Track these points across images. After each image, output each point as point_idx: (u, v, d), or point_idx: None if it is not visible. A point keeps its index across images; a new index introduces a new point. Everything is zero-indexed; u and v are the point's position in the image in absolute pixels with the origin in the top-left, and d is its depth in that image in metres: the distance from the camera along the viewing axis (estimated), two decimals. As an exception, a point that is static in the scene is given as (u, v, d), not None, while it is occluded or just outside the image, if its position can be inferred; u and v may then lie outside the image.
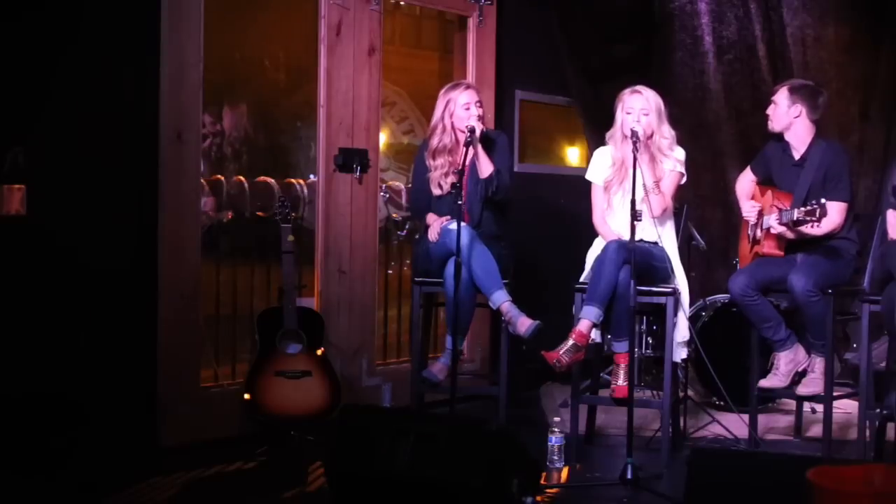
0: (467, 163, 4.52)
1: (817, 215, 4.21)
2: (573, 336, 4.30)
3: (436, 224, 4.61)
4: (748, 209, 4.73)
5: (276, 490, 3.98)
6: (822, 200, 4.24)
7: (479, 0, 5.67)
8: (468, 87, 4.73)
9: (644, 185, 4.36)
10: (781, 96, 4.65)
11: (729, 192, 5.90)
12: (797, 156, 4.66)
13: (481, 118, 4.63)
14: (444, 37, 6.21)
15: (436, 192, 4.69)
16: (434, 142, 4.70)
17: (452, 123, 4.65)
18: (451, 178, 4.50)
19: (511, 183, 4.72)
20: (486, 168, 4.59)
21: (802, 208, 4.29)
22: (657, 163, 4.55)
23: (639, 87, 4.59)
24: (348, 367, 5.09)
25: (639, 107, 4.54)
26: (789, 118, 4.62)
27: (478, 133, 4.52)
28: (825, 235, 4.52)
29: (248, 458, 4.37)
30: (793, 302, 4.51)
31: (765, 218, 4.62)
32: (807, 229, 4.39)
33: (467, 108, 4.62)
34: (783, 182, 4.68)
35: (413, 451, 3.44)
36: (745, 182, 4.89)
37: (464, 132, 4.52)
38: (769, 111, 4.69)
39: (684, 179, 4.64)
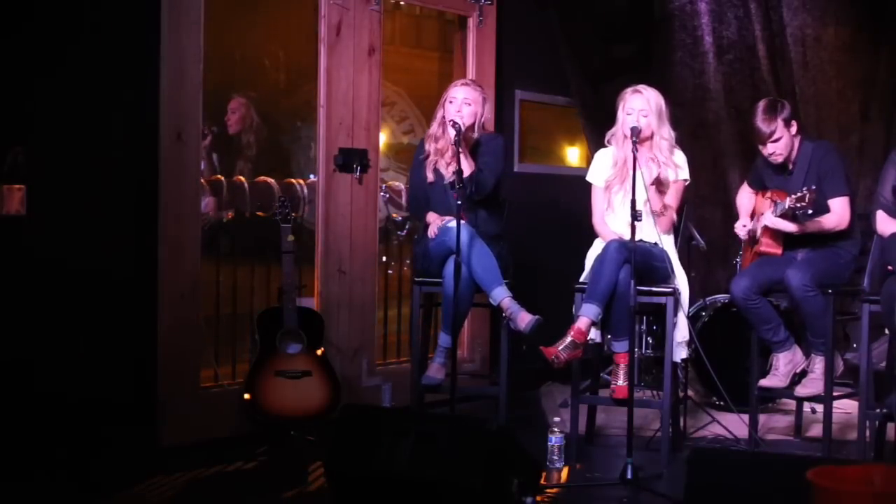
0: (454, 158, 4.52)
1: (807, 200, 4.22)
2: (572, 333, 4.30)
3: (436, 221, 4.61)
4: (740, 226, 4.72)
5: (276, 490, 3.98)
6: (812, 186, 4.26)
7: (479, 0, 5.67)
8: (465, 84, 4.74)
9: (652, 211, 4.41)
10: (780, 128, 4.50)
11: (729, 192, 5.90)
12: (788, 164, 4.65)
13: (474, 115, 4.62)
14: (444, 37, 6.21)
15: (429, 177, 4.70)
16: (431, 129, 4.76)
17: (444, 116, 4.67)
18: (443, 171, 4.54)
19: (495, 184, 4.67)
20: (465, 167, 4.54)
21: (793, 196, 4.29)
22: (657, 164, 4.54)
23: (640, 87, 4.59)
24: (348, 367, 5.09)
25: (638, 107, 4.53)
26: (790, 140, 4.58)
27: (461, 128, 4.46)
28: (836, 233, 4.52)
29: (248, 458, 4.37)
30: (790, 299, 4.51)
31: (762, 217, 4.62)
32: (811, 224, 4.41)
33: (451, 103, 4.63)
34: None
35: (413, 451, 3.44)
36: (745, 197, 4.87)
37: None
38: (776, 149, 4.54)
39: (688, 183, 4.65)
